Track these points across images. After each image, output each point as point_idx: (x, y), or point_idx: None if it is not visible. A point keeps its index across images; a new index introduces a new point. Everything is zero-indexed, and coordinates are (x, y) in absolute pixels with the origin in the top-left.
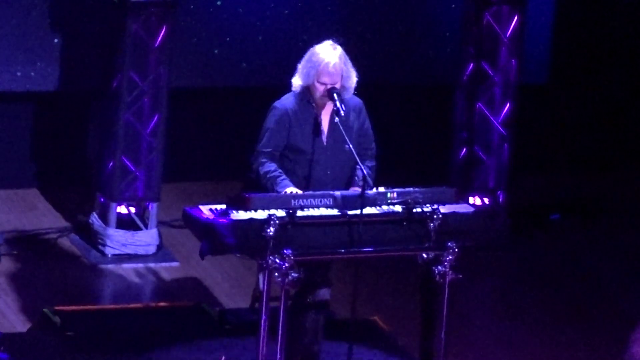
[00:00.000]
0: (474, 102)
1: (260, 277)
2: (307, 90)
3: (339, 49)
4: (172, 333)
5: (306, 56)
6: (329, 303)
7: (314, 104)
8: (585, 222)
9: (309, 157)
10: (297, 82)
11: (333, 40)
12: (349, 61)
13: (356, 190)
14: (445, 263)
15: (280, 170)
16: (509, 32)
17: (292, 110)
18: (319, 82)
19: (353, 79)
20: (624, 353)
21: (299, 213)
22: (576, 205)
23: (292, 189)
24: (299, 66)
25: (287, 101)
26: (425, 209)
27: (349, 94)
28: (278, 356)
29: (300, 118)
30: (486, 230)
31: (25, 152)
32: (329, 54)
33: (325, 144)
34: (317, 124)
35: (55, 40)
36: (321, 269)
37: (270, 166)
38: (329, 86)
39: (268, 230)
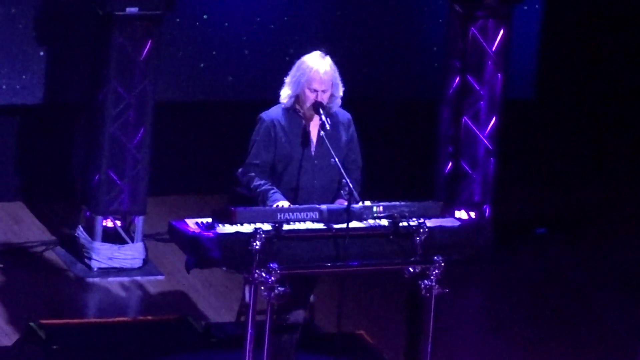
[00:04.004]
0: (459, 116)
1: (246, 290)
2: (296, 100)
3: (328, 58)
4: (158, 346)
5: (295, 66)
6: (302, 324)
7: (302, 115)
8: (570, 236)
9: (297, 166)
10: (285, 93)
11: (322, 51)
12: (337, 70)
13: (341, 203)
14: (432, 277)
15: (270, 184)
16: (494, 46)
17: (278, 120)
18: (309, 89)
19: (341, 88)
20: None
21: (285, 227)
22: (562, 219)
23: (282, 203)
24: (287, 78)
25: (274, 112)
26: (412, 223)
27: (338, 103)
28: None
29: (287, 128)
30: (472, 244)
31: (10, 165)
32: (318, 61)
33: (313, 154)
34: (306, 133)
35: (41, 53)
36: (304, 289)
37: (260, 180)
38: (319, 93)
39: (254, 244)
